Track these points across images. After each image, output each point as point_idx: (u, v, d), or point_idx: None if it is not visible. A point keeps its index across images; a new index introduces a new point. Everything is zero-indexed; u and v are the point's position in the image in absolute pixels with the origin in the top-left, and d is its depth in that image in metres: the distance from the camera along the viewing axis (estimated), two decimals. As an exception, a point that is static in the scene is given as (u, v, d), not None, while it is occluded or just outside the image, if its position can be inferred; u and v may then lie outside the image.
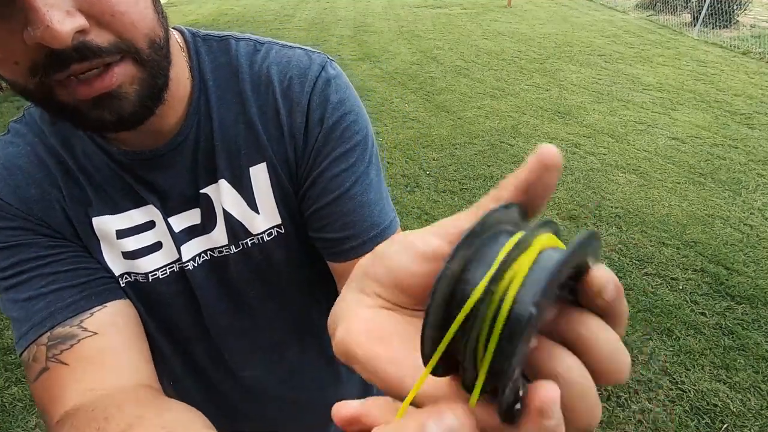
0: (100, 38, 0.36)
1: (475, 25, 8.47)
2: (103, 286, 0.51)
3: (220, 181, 0.54)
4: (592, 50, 6.83)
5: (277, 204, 0.56)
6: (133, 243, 0.53)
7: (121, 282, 0.54)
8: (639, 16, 9.43)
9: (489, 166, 3.63)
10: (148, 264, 0.54)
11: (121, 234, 0.52)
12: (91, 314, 0.47)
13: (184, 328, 0.60)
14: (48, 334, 0.46)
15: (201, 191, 0.54)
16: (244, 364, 0.65)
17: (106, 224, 0.52)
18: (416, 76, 5.61)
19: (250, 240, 0.56)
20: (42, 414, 0.45)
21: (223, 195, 0.54)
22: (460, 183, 3.39)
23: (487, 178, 3.45)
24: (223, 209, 0.54)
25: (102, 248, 0.53)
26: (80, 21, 0.34)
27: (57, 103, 0.38)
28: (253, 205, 0.55)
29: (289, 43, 0.57)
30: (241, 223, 0.55)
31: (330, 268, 0.58)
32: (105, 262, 0.53)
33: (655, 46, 7.09)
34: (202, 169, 0.53)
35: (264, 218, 0.56)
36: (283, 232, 0.57)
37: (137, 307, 0.55)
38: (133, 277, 0.54)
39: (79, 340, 0.45)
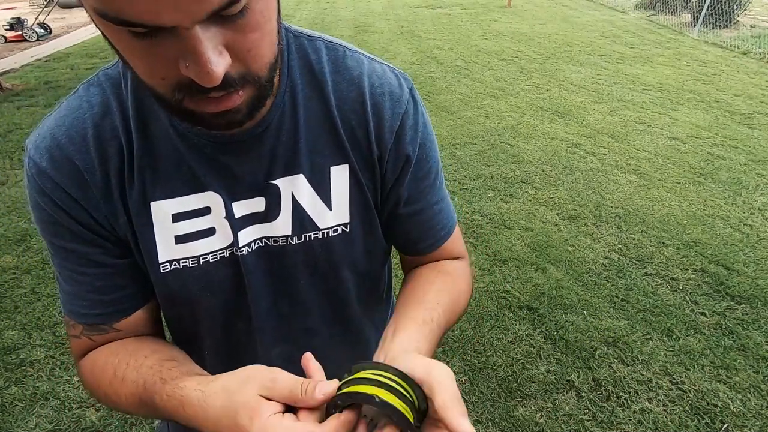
0: (234, 70, 0.40)
1: (475, 25, 8.47)
2: (128, 302, 0.59)
3: (298, 175, 0.56)
4: (592, 50, 6.83)
5: (350, 204, 0.59)
6: (187, 227, 0.56)
7: (162, 270, 0.56)
8: (639, 16, 9.43)
9: (489, 166, 3.63)
10: (200, 247, 0.56)
11: (177, 218, 0.55)
12: (118, 321, 0.59)
13: (225, 310, 0.63)
14: (84, 324, 0.59)
15: (272, 182, 0.56)
16: (273, 346, 0.68)
17: (164, 208, 0.54)
18: (416, 76, 5.61)
19: (314, 233, 0.59)
20: (72, 354, 0.63)
21: (298, 189, 0.57)
22: (460, 183, 3.39)
23: (487, 178, 3.45)
24: (294, 202, 0.57)
25: (155, 233, 0.55)
26: (227, 60, 0.38)
27: (184, 111, 0.43)
28: (327, 202, 0.58)
29: (372, 55, 0.61)
30: (310, 216, 0.58)
31: (401, 256, 0.71)
32: (155, 247, 0.55)
33: (655, 46, 7.09)
34: (280, 160, 0.55)
35: (334, 215, 0.59)
36: (348, 230, 0.60)
37: (179, 292, 0.58)
38: (181, 264, 0.57)
39: (107, 332, 0.59)
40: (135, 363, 0.54)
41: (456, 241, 0.70)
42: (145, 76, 0.41)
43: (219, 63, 0.37)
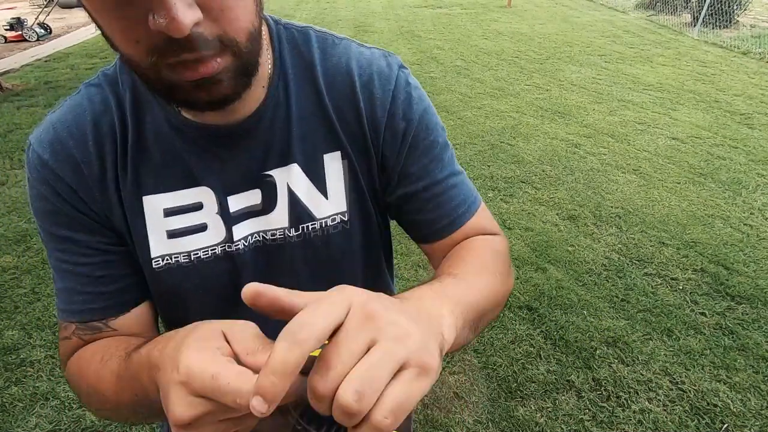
0: (208, 31, 0.40)
1: (475, 25, 8.47)
2: (126, 295, 0.58)
3: (291, 165, 0.56)
4: (592, 50, 6.83)
5: (346, 192, 0.59)
6: (179, 222, 0.55)
7: (154, 265, 0.56)
8: (639, 16, 9.43)
9: (489, 166, 3.63)
10: (192, 243, 0.56)
11: (169, 212, 0.55)
12: (116, 318, 0.57)
13: (221, 308, 0.61)
14: (78, 323, 0.57)
15: (266, 173, 0.56)
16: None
17: (156, 203, 0.55)
18: (416, 77, 5.52)
19: (311, 224, 0.58)
20: (60, 356, 0.60)
21: (293, 178, 0.56)
22: (460, 183, 3.39)
23: (487, 178, 3.45)
24: (290, 192, 0.57)
25: (147, 227, 0.55)
26: (198, 14, 0.38)
27: (163, 82, 0.42)
28: (322, 190, 0.58)
29: (362, 43, 0.61)
30: (306, 207, 0.58)
31: (421, 249, 0.65)
32: (147, 242, 0.55)
33: (655, 46, 7.09)
34: (274, 152, 0.56)
35: (331, 204, 0.58)
36: (346, 219, 0.60)
37: (173, 288, 0.58)
38: (173, 260, 0.56)
39: (101, 331, 0.57)
40: (125, 346, 0.50)
41: (482, 219, 0.63)
42: (122, 44, 0.41)
43: (186, 12, 0.36)
